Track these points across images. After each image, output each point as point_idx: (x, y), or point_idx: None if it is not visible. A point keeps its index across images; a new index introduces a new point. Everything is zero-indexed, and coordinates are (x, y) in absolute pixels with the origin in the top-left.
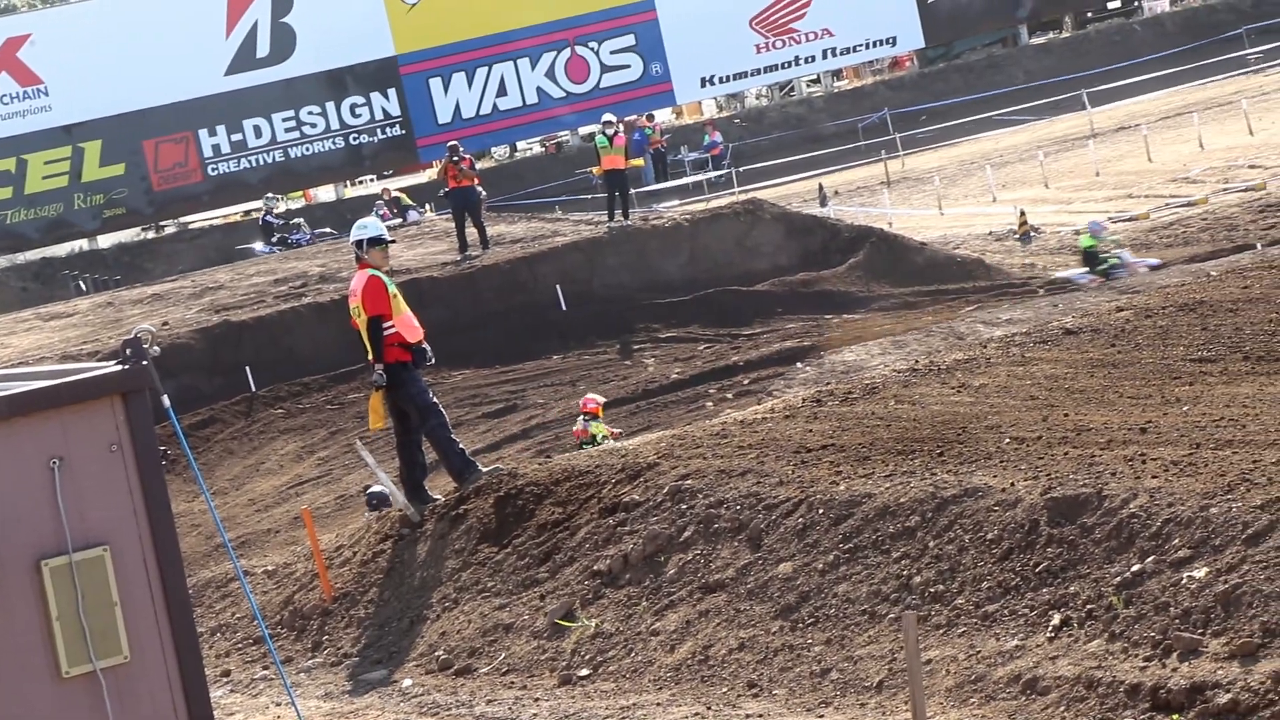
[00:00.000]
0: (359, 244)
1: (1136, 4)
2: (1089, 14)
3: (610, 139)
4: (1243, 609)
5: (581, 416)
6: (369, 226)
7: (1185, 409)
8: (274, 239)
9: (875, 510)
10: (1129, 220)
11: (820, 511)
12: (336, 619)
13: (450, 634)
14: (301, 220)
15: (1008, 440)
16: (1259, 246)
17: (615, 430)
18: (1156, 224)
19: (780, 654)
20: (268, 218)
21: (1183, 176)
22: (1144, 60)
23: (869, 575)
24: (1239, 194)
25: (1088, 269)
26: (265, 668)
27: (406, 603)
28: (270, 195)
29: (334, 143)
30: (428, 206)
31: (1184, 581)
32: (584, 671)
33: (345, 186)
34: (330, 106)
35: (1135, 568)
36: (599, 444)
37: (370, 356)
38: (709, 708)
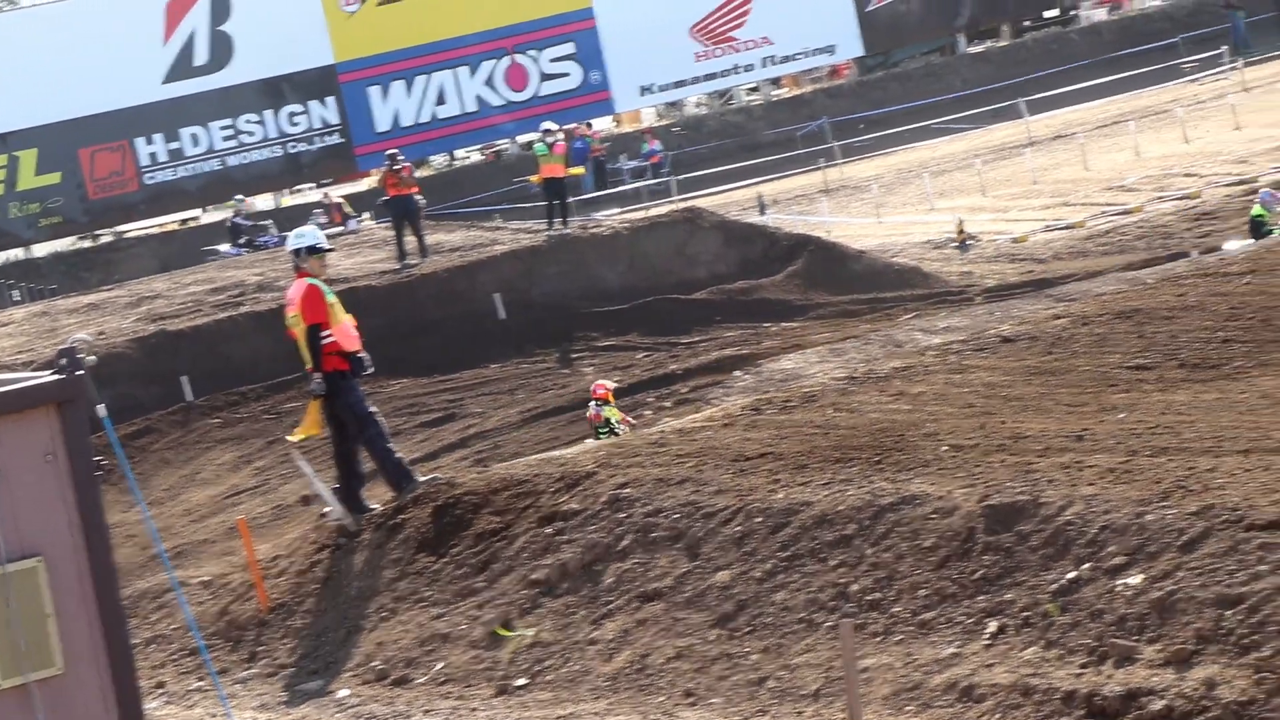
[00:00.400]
0: (297, 252)
1: (1074, 13)
2: (1026, 23)
3: (550, 147)
4: (1177, 615)
5: (593, 402)
6: (307, 235)
7: (1121, 416)
8: (242, 241)
9: (813, 518)
10: (1065, 229)
11: (758, 520)
12: (273, 629)
13: (387, 644)
14: (270, 222)
15: (945, 448)
16: (1194, 254)
17: (629, 418)
18: (1093, 232)
19: (717, 663)
20: (236, 220)
21: (1119, 185)
22: (1081, 68)
23: (806, 583)
24: (1174, 202)
25: (1254, 239)
26: (200, 679)
27: (343, 613)
28: (239, 197)
29: (272, 151)
30: (365, 215)
31: (1119, 588)
32: (521, 681)
33: (284, 195)
34: (269, 115)
35: (1071, 575)
36: (613, 427)
37: (308, 365)
38: (646, 717)
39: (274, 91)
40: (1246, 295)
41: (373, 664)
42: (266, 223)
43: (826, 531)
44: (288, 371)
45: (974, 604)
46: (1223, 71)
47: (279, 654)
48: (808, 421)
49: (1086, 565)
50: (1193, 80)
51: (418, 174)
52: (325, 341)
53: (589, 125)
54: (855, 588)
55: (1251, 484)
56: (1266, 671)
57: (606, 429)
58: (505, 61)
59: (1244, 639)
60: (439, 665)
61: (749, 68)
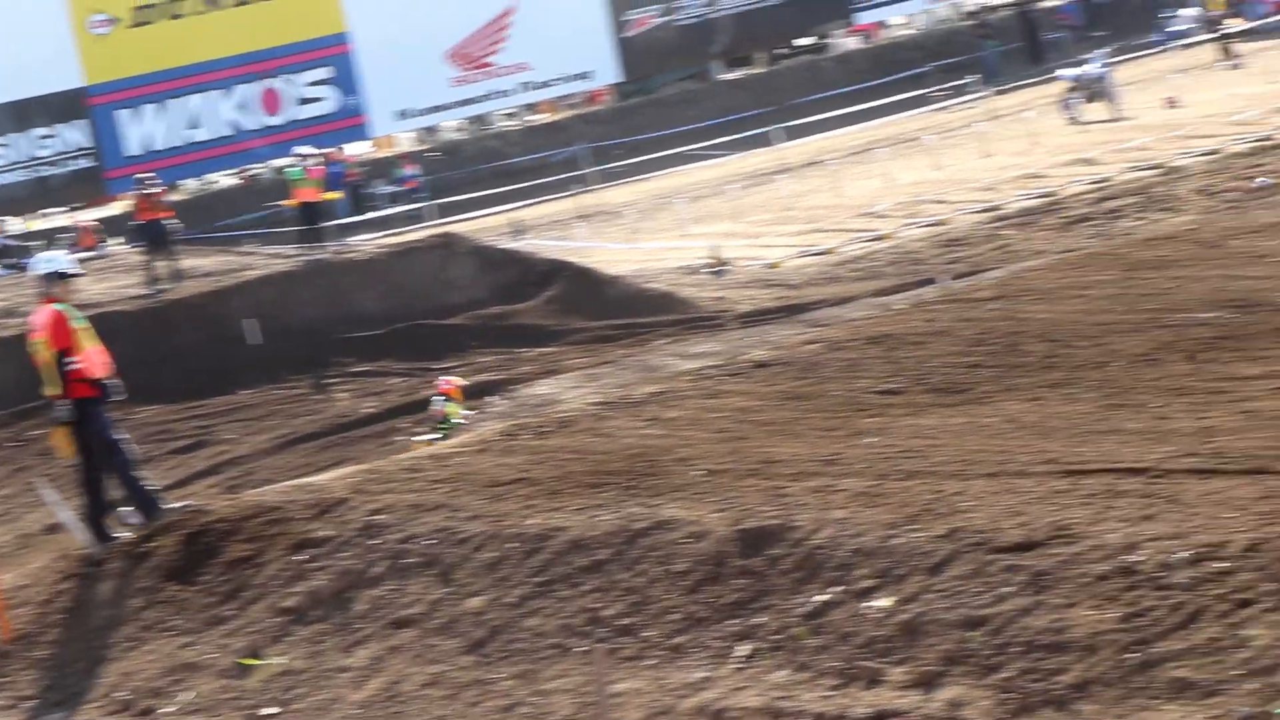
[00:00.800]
0: (43, 278)
1: (826, 41)
2: (781, 50)
3: (305, 171)
4: (924, 637)
5: (438, 397)
6: (54, 260)
7: (871, 440)
8: (10, 261)
9: (567, 544)
10: (818, 254)
11: (512, 546)
12: (15, 660)
13: (133, 674)
14: (44, 243)
15: (698, 473)
16: (943, 280)
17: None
18: (845, 257)
19: (469, 689)
20: (5, 240)
21: (870, 211)
22: (834, 96)
23: (560, 609)
24: (924, 228)
25: None
26: None
27: (88, 643)
28: (3, 218)
29: (20, 174)
30: (109, 240)
31: (868, 611)
32: (271, 710)
33: (32, 219)
34: (16, 137)
35: (821, 598)
36: (452, 425)
37: (55, 392)
38: None
39: (21, 114)
40: (993, 320)
41: (118, 694)
42: (36, 244)
43: (580, 557)
44: (33, 398)
45: (726, 628)
46: (972, 100)
47: (21, 685)
48: (562, 447)
49: (837, 588)
50: (942, 108)
51: (170, 198)
52: (71, 368)
53: (342, 149)
54: (608, 613)
55: (997, 507)
56: (1009, 691)
57: (447, 425)
58: (260, 85)
59: (988, 660)
60: (187, 695)
61: (506, 93)
